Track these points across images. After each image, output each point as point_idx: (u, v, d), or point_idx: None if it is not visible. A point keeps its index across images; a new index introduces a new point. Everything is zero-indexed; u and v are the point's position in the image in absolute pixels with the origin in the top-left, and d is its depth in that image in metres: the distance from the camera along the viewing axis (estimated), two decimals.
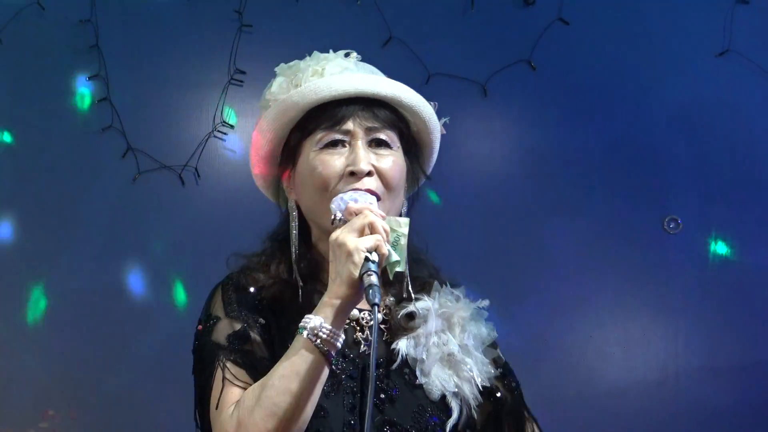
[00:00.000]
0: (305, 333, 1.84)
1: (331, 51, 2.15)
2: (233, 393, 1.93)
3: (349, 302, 1.85)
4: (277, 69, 2.16)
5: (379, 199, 2.00)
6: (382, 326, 2.10)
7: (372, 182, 2.01)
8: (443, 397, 2.04)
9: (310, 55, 2.16)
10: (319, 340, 1.83)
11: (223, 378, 1.95)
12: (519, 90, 3.93)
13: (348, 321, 2.05)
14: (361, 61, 2.15)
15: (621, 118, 3.92)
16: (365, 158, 2.01)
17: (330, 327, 1.84)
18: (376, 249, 1.82)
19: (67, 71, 3.93)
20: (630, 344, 3.87)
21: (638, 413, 3.82)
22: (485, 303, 2.14)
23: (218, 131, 3.92)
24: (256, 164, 2.25)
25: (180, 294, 3.87)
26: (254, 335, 1.99)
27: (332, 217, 1.95)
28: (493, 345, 2.16)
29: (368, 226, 1.85)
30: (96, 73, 3.90)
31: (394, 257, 1.86)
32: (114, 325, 3.84)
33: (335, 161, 2.02)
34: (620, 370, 3.87)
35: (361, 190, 1.98)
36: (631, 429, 3.82)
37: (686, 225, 3.88)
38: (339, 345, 1.85)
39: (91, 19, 3.91)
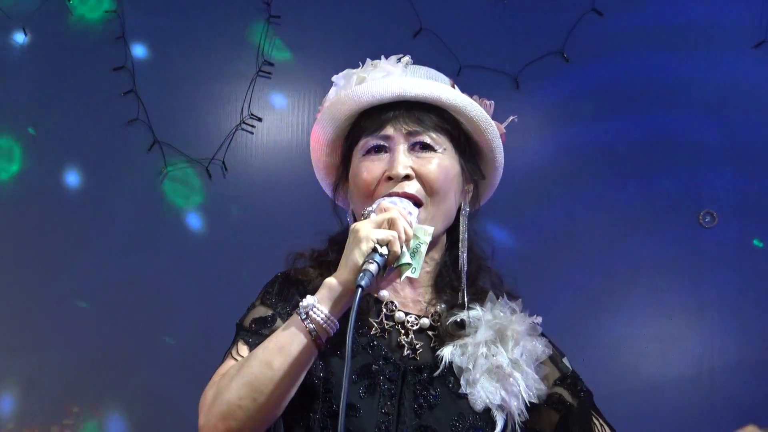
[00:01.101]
0: (298, 310, 1.85)
1: (383, 57, 2.14)
2: (229, 366, 1.95)
3: (350, 289, 1.83)
4: (333, 78, 2.16)
5: (419, 204, 1.99)
6: (430, 332, 2.08)
7: (411, 186, 2.00)
8: (488, 409, 2.01)
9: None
10: (308, 320, 1.83)
11: (228, 352, 1.99)
12: (552, 82, 3.89)
13: (393, 323, 2.07)
14: (413, 64, 2.14)
15: (655, 110, 3.87)
16: (403, 162, 2.00)
17: (321, 308, 1.84)
18: (387, 243, 1.81)
19: (93, 63, 3.89)
20: (665, 340, 3.82)
21: (674, 410, 3.78)
22: (539, 320, 2.11)
23: (246, 124, 3.88)
24: (319, 178, 2.26)
25: (207, 288, 3.83)
26: (281, 323, 1.99)
27: (363, 212, 1.96)
28: (554, 358, 2.13)
29: (388, 221, 1.85)
30: (122, 65, 3.87)
31: (407, 259, 1.85)
32: (140, 319, 3.82)
33: (375, 166, 2.03)
34: (655, 366, 3.82)
35: (398, 194, 1.97)
36: (667, 425, 3.77)
37: (722, 219, 3.83)
38: (331, 330, 1.84)
39: (116, 10, 3.88)
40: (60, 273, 3.82)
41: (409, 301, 2.11)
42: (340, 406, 1.68)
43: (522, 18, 3.91)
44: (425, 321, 2.08)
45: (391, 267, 1.85)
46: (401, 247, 1.84)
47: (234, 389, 1.85)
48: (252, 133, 3.89)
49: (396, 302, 2.09)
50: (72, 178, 3.86)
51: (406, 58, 2.14)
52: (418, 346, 2.05)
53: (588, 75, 3.89)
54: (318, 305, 1.84)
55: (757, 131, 3.87)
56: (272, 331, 1.94)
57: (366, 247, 1.81)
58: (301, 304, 1.85)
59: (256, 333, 1.99)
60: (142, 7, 3.92)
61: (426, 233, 1.90)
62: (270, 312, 2.03)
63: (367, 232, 1.83)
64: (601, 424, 2.08)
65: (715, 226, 3.83)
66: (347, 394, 1.85)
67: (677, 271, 3.85)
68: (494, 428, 1.99)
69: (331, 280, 1.85)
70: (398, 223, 1.84)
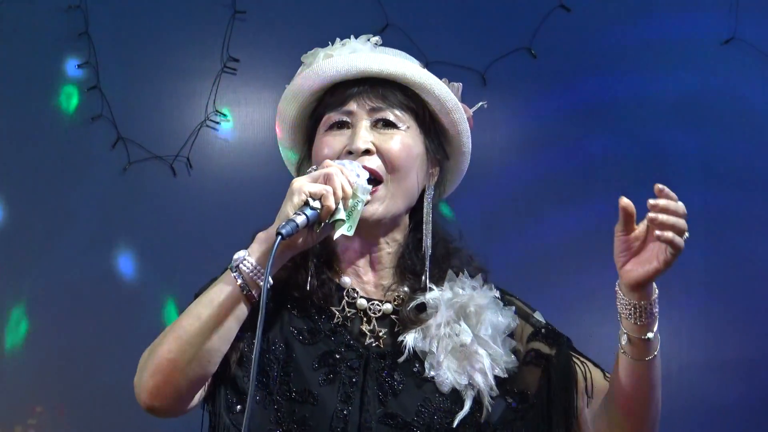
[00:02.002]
0: (231, 264, 1.83)
1: (352, 37, 2.13)
2: None
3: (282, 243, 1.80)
4: (302, 57, 2.14)
5: (380, 181, 1.98)
6: (393, 316, 2.05)
7: (371, 161, 1.98)
8: (455, 390, 1.98)
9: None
10: (237, 273, 1.81)
11: None
12: (519, 78, 3.88)
13: (355, 311, 2.05)
14: (382, 45, 2.14)
15: (623, 107, 3.87)
16: (364, 137, 1.99)
17: (252, 261, 1.82)
18: (321, 198, 1.80)
19: (56, 59, 3.87)
20: None
21: None
22: (495, 292, 2.07)
23: (211, 120, 3.86)
24: (285, 157, 2.24)
25: (172, 285, 3.81)
26: None
27: (310, 169, 1.94)
28: (524, 315, 2.11)
29: (324, 176, 1.83)
30: (86, 61, 3.85)
31: (341, 215, 1.83)
32: (104, 318, 3.80)
33: (336, 141, 2.02)
34: None
35: (356, 162, 1.95)
36: None
37: (690, 217, 3.75)
38: (259, 281, 1.81)
39: (80, 5, 3.85)
40: (23, 272, 3.80)
41: (371, 285, 2.09)
42: (248, 393, 1.69)
43: (489, 13, 3.90)
44: (388, 306, 2.05)
45: (325, 222, 1.82)
46: (336, 204, 1.82)
47: (164, 343, 1.85)
48: (217, 129, 3.87)
49: (358, 288, 2.07)
50: (34, 175, 3.83)
51: (376, 38, 2.14)
52: (381, 333, 2.03)
53: (555, 71, 3.88)
54: (247, 257, 1.82)
55: (725, 128, 3.88)
56: None
57: (297, 199, 1.79)
58: (233, 258, 1.83)
59: (202, 290, 1.98)
60: (107, 2, 3.89)
61: (365, 191, 1.88)
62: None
63: (300, 185, 1.81)
64: (582, 362, 2.05)
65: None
66: (305, 381, 1.90)
67: None
68: (463, 408, 1.97)
69: (262, 234, 1.84)
70: (334, 178, 1.82)
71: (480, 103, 2.16)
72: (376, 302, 2.06)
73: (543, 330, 2.09)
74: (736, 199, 3.85)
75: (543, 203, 3.87)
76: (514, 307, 2.08)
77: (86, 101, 3.85)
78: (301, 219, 1.76)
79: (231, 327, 1.84)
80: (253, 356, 1.73)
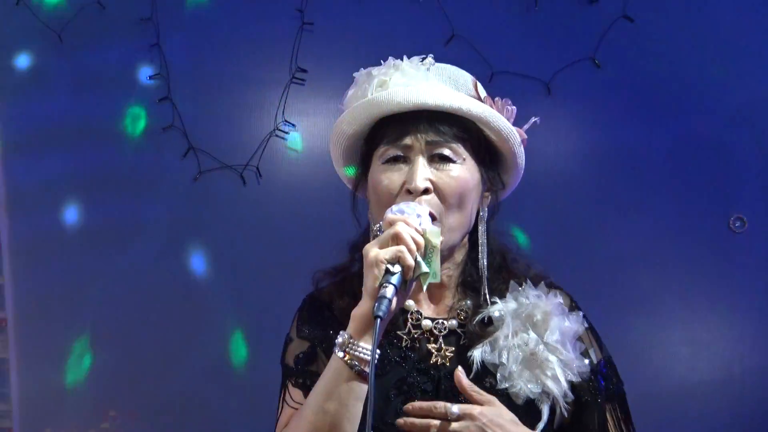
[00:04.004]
0: (336, 349, 1.85)
1: (405, 57, 2.13)
2: (288, 414, 1.99)
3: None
4: (355, 74, 2.15)
5: (434, 218, 1.98)
6: (459, 330, 2.08)
7: (428, 200, 1.99)
8: (530, 401, 2.00)
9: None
10: (347, 356, 1.83)
11: (283, 400, 2.03)
12: (583, 88, 3.89)
13: (420, 331, 2.07)
14: (436, 63, 2.13)
15: (686, 115, 3.87)
16: (421, 175, 1.99)
17: (357, 342, 1.84)
18: (398, 260, 1.80)
19: (128, 70, 3.92)
20: (696, 344, 3.84)
21: (704, 413, 3.80)
22: (559, 299, 2.10)
23: (280, 130, 3.90)
24: (339, 172, 2.26)
25: (242, 294, 3.86)
26: (321, 354, 2.01)
27: (373, 231, 1.97)
28: (589, 338, 2.13)
29: (392, 237, 1.83)
30: (157, 73, 3.89)
31: (424, 268, 1.84)
32: (175, 324, 3.85)
33: (395, 177, 2.02)
34: (686, 370, 3.83)
35: (412, 202, 1.96)
36: (696, 429, 3.80)
37: (752, 224, 3.84)
38: (373, 357, 1.81)
39: (151, 17, 3.90)
40: (97, 278, 3.86)
41: (435, 305, 2.12)
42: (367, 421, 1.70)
43: (553, 24, 3.91)
44: (453, 322, 2.08)
45: (411, 279, 1.84)
46: (414, 259, 1.83)
47: None
48: (285, 139, 3.91)
49: (421, 310, 2.10)
50: (108, 185, 3.89)
51: (429, 60, 2.13)
52: (447, 352, 2.05)
53: (619, 80, 3.89)
54: (353, 340, 1.84)
55: None
56: (317, 366, 1.97)
57: (378, 271, 1.80)
58: (337, 342, 1.85)
59: (303, 372, 2.02)
60: (177, 15, 3.93)
61: (436, 235, 1.89)
62: (307, 345, 2.05)
63: (375, 254, 1.82)
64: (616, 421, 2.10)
65: (745, 231, 3.84)
66: (385, 414, 1.93)
67: (708, 275, 3.85)
68: (539, 419, 1.99)
69: (357, 311, 1.85)
70: (403, 236, 1.83)
71: (532, 120, 2.15)
72: (441, 320, 2.08)
73: (591, 368, 2.09)
74: None
75: (606, 209, 3.87)
76: (581, 312, 2.12)
77: (158, 111, 3.89)
78: (390, 291, 1.77)
79: (357, 408, 1.85)
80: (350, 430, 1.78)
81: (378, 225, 1.94)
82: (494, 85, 3.76)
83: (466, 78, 2.13)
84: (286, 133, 3.91)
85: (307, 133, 3.92)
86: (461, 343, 2.07)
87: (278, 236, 3.87)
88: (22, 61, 3.90)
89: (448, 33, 3.88)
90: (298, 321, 2.11)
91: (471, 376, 2.00)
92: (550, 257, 3.69)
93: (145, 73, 3.91)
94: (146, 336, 3.84)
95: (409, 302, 2.09)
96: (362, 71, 2.14)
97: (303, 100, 3.92)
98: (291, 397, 2.02)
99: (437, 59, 2.19)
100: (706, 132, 3.87)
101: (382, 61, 2.14)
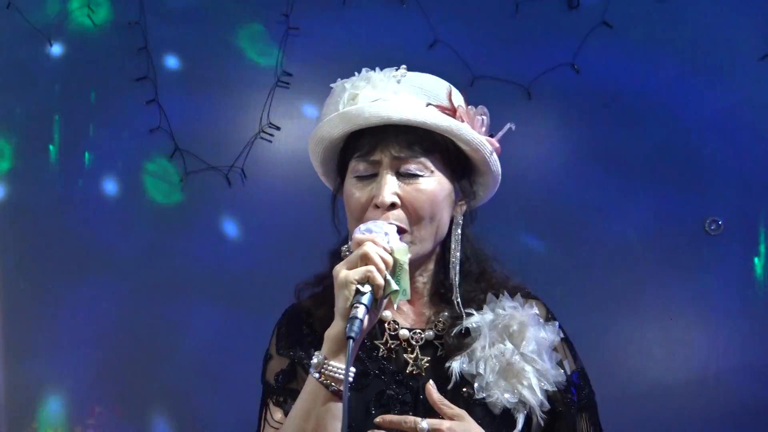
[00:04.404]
0: (311, 370, 1.86)
1: (377, 69, 2.12)
2: None
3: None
4: (333, 85, 2.14)
5: (403, 231, 1.99)
6: (436, 342, 2.09)
7: (396, 215, 1.99)
8: (507, 410, 2.01)
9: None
10: (323, 377, 1.84)
11: (264, 419, 2.03)
12: (563, 93, 3.92)
13: (398, 341, 2.08)
14: (408, 73, 2.10)
15: (663, 121, 3.90)
16: (389, 190, 1.99)
17: (332, 363, 1.84)
18: (368, 280, 1.81)
19: (116, 73, 3.95)
20: (671, 344, 3.86)
21: (679, 413, 3.81)
22: (534, 309, 2.10)
23: (264, 132, 3.94)
24: (321, 178, 2.26)
25: (226, 293, 3.89)
26: (301, 371, 2.02)
27: (342, 252, 1.98)
28: (564, 349, 2.14)
29: (361, 257, 1.83)
30: (144, 75, 3.93)
31: (393, 287, 1.84)
32: (161, 322, 3.88)
33: (365, 191, 2.02)
34: (661, 370, 3.85)
35: (379, 220, 1.96)
36: (671, 428, 3.81)
37: (727, 226, 3.87)
38: (350, 377, 1.80)
39: (139, 21, 3.94)
40: (84, 276, 3.89)
41: (411, 316, 2.12)
42: None
43: (534, 30, 3.95)
44: (429, 333, 2.09)
45: (382, 298, 1.85)
46: (384, 277, 1.83)
47: None
48: (270, 141, 3.95)
49: (399, 320, 2.10)
50: (96, 185, 3.92)
51: (401, 71, 2.10)
52: (423, 362, 2.06)
53: (598, 86, 3.91)
54: (327, 361, 1.84)
55: (762, 141, 3.89)
56: (296, 384, 1.98)
57: (348, 292, 1.80)
58: (312, 362, 1.85)
59: (283, 389, 2.03)
60: (165, 19, 3.97)
61: (403, 252, 1.89)
62: (287, 362, 2.05)
63: (344, 276, 1.82)
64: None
65: (720, 233, 3.87)
66: (365, 427, 1.94)
67: (684, 276, 3.88)
68: (514, 428, 1.99)
69: (330, 332, 1.85)
70: (371, 255, 1.82)
71: (507, 127, 2.11)
72: (418, 330, 2.09)
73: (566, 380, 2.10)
74: None
75: (584, 213, 3.89)
76: (557, 323, 2.12)
77: (145, 113, 3.92)
78: (361, 311, 1.77)
79: (335, 427, 1.85)
80: None
81: (347, 246, 1.95)
82: (475, 89, 3.79)
83: (440, 87, 2.11)
84: (271, 135, 3.94)
85: (292, 135, 3.95)
86: (438, 354, 2.07)
87: (263, 237, 3.90)
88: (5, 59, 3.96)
89: (431, 38, 3.91)
90: (277, 337, 2.11)
91: (449, 387, 2.01)
92: (528, 258, 3.84)
93: (131, 74, 3.96)
94: (132, 332, 3.87)
95: (387, 313, 2.09)
96: (338, 82, 2.13)
97: (288, 103, 3.95)
98: (272, 416, 2.02)
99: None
100: (682, 136, 3.89)
101: (356, 73, 2.14)
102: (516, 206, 3.85)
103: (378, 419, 1.93)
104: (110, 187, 3.94)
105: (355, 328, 1.75)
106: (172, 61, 3.97)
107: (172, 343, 3.88)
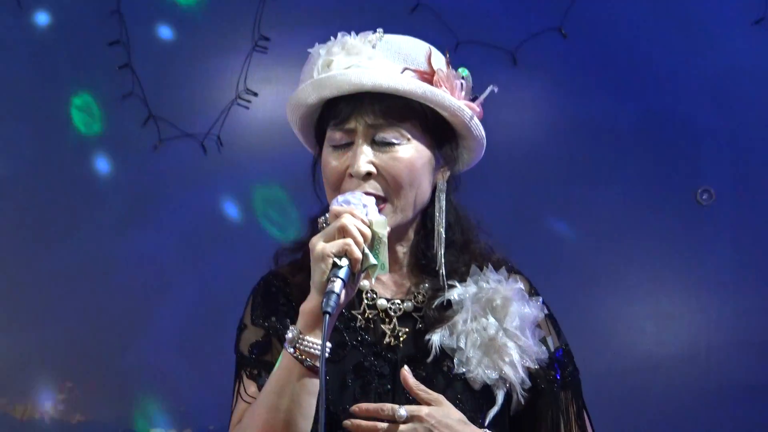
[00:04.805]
0: (286, 345, 1.82)
1: (353, 33, 2.05)
2: (242, 409, 1.95)
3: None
4: (310, 50, 2.08)
5: (384, 200, 1.95)
6: (415, 314, 2.05)
7: (371, 185, 1.95)
8: (487, 386, 1.97)
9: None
10: (297, 352, 1.80)
11: (237, 392, 1.99)
12: (549, 58, 3.88)
13: (376, 311, 2.04)
14: (385, 36, 2.05)
15: (654, 87, 3.87)
16: (364, 159, 1.95)
17: (308, 338, 1.80)
18: (345, 254, 1.77)
19: (88, 37, 3.89)
20: (661, 318, 3.84)
21: (669, 387, 3.80)
22: (519, 284, 2.05)
23: (241, 98, 3.89)
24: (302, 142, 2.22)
25: (202, 264, 3.85)
26: (276, 343, 1.97)
27: (319, 223, 1.92)
28: (547, 326, 2.10)
29: (338, 230, 1.79)
30: (117, 39, 3.86)
31: (371, 261, 1.81)
32: (134, 294, 3.83)
33: (341, 161, 1.98)
34: (651, 344, 3.83)
35: (357, 191, 1.91)
36: (662, 403, 3.79)
37: (719, 196, 3.84)
38: (326, 352, 1.78)
39: None
40: (55, 248, 3.83)
41: (391, 286, 2.08)
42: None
43: None
44: (408, 304, 2.05)
45: (360, 272, 1.81)
46: (362, 251, 1.79)
47: None
48: (247, 107, 3.90)
49: (377, 290, 2.06)
50: (67, 153, 3.86)
51: (377, 35, 2.04)
52: (401, 333, 2.02)
53: (586, 51, 3.88)
54: (302, 336, 1.80)
55: (755, 108, 3.86)
56: (271, 356, 1.94)
57: (325, 265, 1.77)
58: (287, 337, 1.81)
59: (257, 361, 1.99)
60: None
61: (382, 225, 1.85)
62: (262, 333, 2.00)
63: (321, 248, 1.78)
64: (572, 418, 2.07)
65: (712, 204, 3.84)
66: (342, 399, 1.91)
67: (674, 248, 3.85)
68: (494, 405, 1.96)
69: (306, 306, 1.81)
70: (349, 228, 1.78)
71: (489, 89, 2.05)
72: (397, 301, 2.05)
73: (549, 357, 2.06)
74: (764, 176, 3.86)
75: (572, 182, 3.87)
76: (541, 298, 2.08)
77: (118, 79, 3.86)
78: (338, 286, 1.74)
79: (310, 403, 1.82)
80: (305, 427, 1.77)
81: (324, 217, 1.90)
82: (459, 54, 3.65)
83: (418, 51, 2.05)
84: (248, 101, 3.89)
85: (270, 101, 3.90)
86: (417, 327, 2.04)
87: (239, 205, 3.86)
88: None
89: (413, 1, 3.84)
90: (252, 306, 2.06)
91: (429, 360, 1.98)
92: (514, 229, 3.78)
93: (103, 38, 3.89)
94: (104, 306, 3.82)
95: (365, 282, 2.00)
96: (315, 48, 2.08)
97: (265, 68, 3.90)
98: (245, 389, 1.98)
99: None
100: (673, 104, 3.87)
101: (332, 38, 2.07)
102: (500, 175, 3.80)
103: (354, 408, 1.89)
104: (82, 154, 3.87)
105: (332, 302, 1.71)
106: (145, 25, 3.90)
107: (146, 315, 3.83)
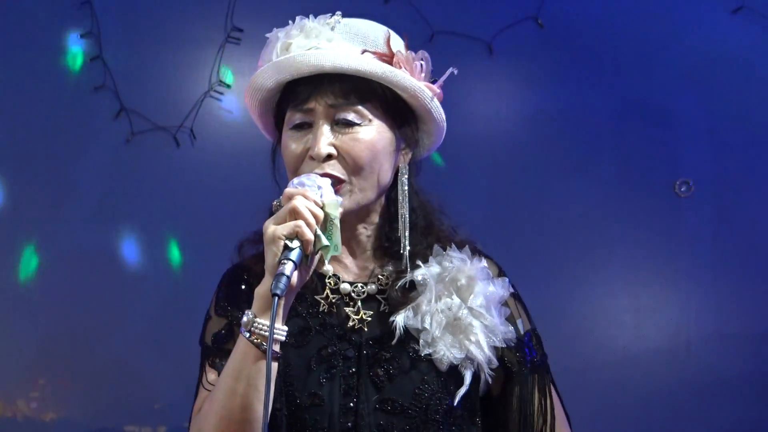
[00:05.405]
0: (241, 329, 1.81)
1: (311, 16, 2.07)
2: (203, 397, 1.95)
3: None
4: (268, 35, 2.10)
5: (341, 182, 1.94)
6: (379, 296, 2.04)
7: (332, 166, 1.95)
8: (454, 367, 1.97)
9: (311, 13, 2.07)
10: (253, 336, 1.80)
11: (200, 382, 1.98)
12: (526, 48, 3.86)
13: (339, 296, 2.04)
14: (343, 19, 2.05)
15: (631, 77, 3.87)
16: (323, 141, 1.94)
17: (262, 321, 1.79)
18: (297, 235, 1.76)
19: (58, 28, 3.84)
20: (641, 311, 3.84)
21: (649, 381, 3.80)
22: (483, 262, 2.04)
23: (215, 91, 3.85)
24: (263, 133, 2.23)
25: (175, 258, 3.82)
26: (238, 332, 1.93)
27: (272, 206, 1.91)
28: (516, 307, 2.09)
29: (290, 212, 1.78)
30: (88, 31, 3.82)
31: (324, 242, 1.80)
32: (107, 290, 3.79)
33: (300, 143, 1.98)
34: (631, 337, 3.83)
35: (312, 173, 1.91)
36: (642, 396, 3.78)
37: (698, 188, 3.84)
38: (281, 337, 1.81)
39: None
40: (24, 244, 3.78)
41: (354, 270, 2.08)
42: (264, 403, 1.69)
43: None
44: (372, 287, 2.04)
45: (313, 254, 1.80)
46: (314, 233, 1.78)
47: (212, 428, 1.83)
48: (220, 100, 3.86)
49: (340, 274, 2.06)
50: (35, 147, 3.81)
51: (335, 18, 2.05)
52: (365, 316, 2.02)
53: (562, 41, 3.87)
54: (257, 319, 1.80)
55: (734, 98, 3.86)
56: (234, 344, 1.90)
57: (276, 247, 1.76)
58: (242, 321, 1.81)
59: (220, 350, 1.98)
60: None
61: (335, 206, 1.85)
62: (224, 322, 2.01)
63: (272, 231, 1.77)
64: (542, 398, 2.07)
65: (690, 195, 3.83)
66: (307, 384, 1.91)
67: (653, 240, 3.85)
68: (461, 385, 1.96)
69: (260, 290, 1.81)
70: (300, 210, 1.78)
71: (450, 70, 2.04)
72: (360, 284, 2.04)
73: (517, 339, 2.06)
74: (744, 168, 3.86)
75: (549, 174, 3.86)
76: (507, 279, 2.07)
77: (89, 71, 3.82)
78: (289, 268, 1.74)
79: (268, 388, 1.77)
80: (262, 411, 1.73)
81: (277, 200, 1.89)
82: (434, 45, 3.72)
83: (376, 33, 2.05)
84: (221, 93, 3.86)
85: (243, 93, 3.81)
86: (381, 309, 2.03)
87: (212, 199, 3.82)
88: None
89: None
90: (217, 297, 2.07)
91: (393, 342, 1.97)
92: (491, 221, 3.77)
93: (74, 30, 3.84)
94: (77, 302, 3.78)
95: (328, 267, 2.04)
96: (274, 31, 2.09)
97: (238, 60, 3.86)
98: (207, 379, 1.97)
99: (376, 19, 2.10)
100: (651, 94, 3.86)
101: (290, 22, 2.09)
102: (477, 166, 3.80)
103: None
104: (51, 148, 3.82)
105: (281, 285, 1.71)
106: (116, 16, 3.84)
107: (119, 311, 3.79)
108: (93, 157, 3.82)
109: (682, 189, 3.82)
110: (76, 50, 3.84)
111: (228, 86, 3.85)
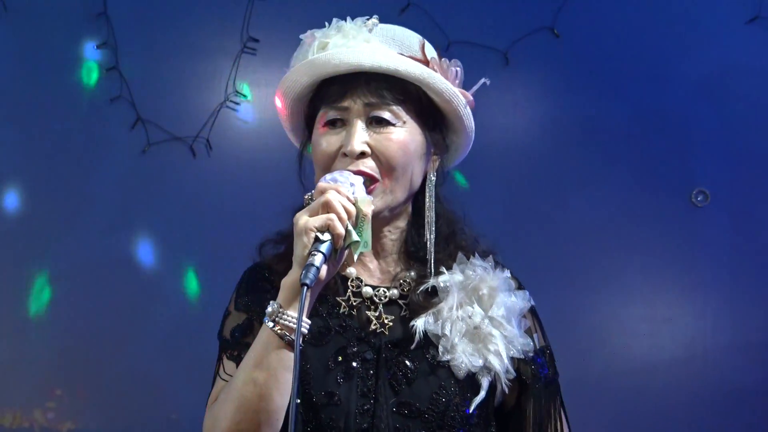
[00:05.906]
0: (265, 319, 1.82)
1: (348, 18, 2.08)
2: (219, 388, 1.95)
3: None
4: (302, 36, 2.10)
5: (375, 180, 1.95)
6: (401, 301, 2.04)
7: (365, 164, 1.96)
8: (471, 374, 1.97)
9: (327, 22, 2.09)
10: (277, 326, 1.80)
11: (217, 374, 1.99)
12: (542, 58, 3.86)
13: (360, 299, 2.04)
14: (381, 24, 2.07)
15: (647, 87, 3.85)
16: (358, 138, 1.96)
17: (287, 312, 1.80)
18: (328, 228, 1.77)
19: (75, 39, 3.85)
20: (657, 321, 3.82)
21: (665, 391, 3.78)
22: (507, 273, 2.05)
23: (231, 101, 3.85)
24: (288, 133, 2.22)
25: (191, 270, 3.82)
26: (258, 326, 1.95)
27: (305, 199, 1.91)
28: (533, 321, 2.10)
29: (323, 205, 1.80)
30: (104, 42, 3.82)
31: (354, 237, 1.81)
32: (123, 300, 3.79)
33: (333, 141, 1.99)
34: (647, 347, 3.81)
35: (345, 170, 1.92)
36: (658, 407, 3.76)
37: (714, 198, 3.82)
38: (304, 329, 1.81)
39: None
40: (42, 255, 3.79)
41: (377, 273, 2.08)
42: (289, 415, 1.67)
43: None
44: (394, 292, 2.05)
45: (342, 248, 1.81)
46: (345, 227, 1.80)
47: (229, 416, 1.83)
48: (236, 110, 3.86)
49: (363, 277, 2.06)
50: (52, 157, 3.82)
51: (372, 21, 2.07)
52: (387, 320, 2.02)
53: (578, 51, 3.87)
54: (282, 309, 1.80)
55: (750, 107, 3.84)
56: (252, 338, 1.91)
57: (307, 239, 1.77)
58: (267, 311, 1.82)
59: (238, 343, 1.99)
60: None
61: (367, 203, 1.86)
62: (244, 317, 2.01)
63: (304, 222, 1.78)
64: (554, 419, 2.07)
65: (707, 205, 3.82)
66: (325, 383, 1.91)
67: (669, 250, 3.83)
68: (478, 393, 1.96)
69: (287, 280, 1.82)
70: (333, 204, 1.79)
71: (482, 81, 2.08)
72: (383, 289, 2.05)
73: (533, 353, 2.06)
74: (760, 177, 3.84)
75: (565, 183, 3.86)
76: (527, 291, 2.08)
77: (105, 82, 3.82)
78: (318, 259, 1.75)
79: (287, 379, 1.80)
80: (289, 407, 1.74)
81: (309, 193, 1.90)
82: (450, 55, 3.51)
83: (411, 39, 2.07)
84: (237, 104, 3.86)
85: (259, 104, 3.87)
86: (402, 314, 2.04)
87: (228, 208, 3.82)
88: None
89: (404, 1, 3.83)
90: (237, 294, 2.07)
91: (413, 346, 1.97)
92: (506, 230, 3.75)
93: (91, 43, 3.84)
94: (94, 313, 3.78)
95: (351, 270, 2.06)
96: (308, 32, 2.10)
97: (254, 70, 3.86)
98: (224, 369, 1.98)
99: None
100: (667, 104, 3.85)
101: (326, 24, 2.10)
102: (493, 176, 3.79)
103: None
104: (69, 159, 3.82)
105: (311, 275, 1.73)
106: (132, 27, 3.85)
107: (136, 321, 3.79)
108: (109, 167, 3.83)
109: (699, 199, 3.80)
110: (92, 61, 3.85)
111: (244, 96, 3.85)
